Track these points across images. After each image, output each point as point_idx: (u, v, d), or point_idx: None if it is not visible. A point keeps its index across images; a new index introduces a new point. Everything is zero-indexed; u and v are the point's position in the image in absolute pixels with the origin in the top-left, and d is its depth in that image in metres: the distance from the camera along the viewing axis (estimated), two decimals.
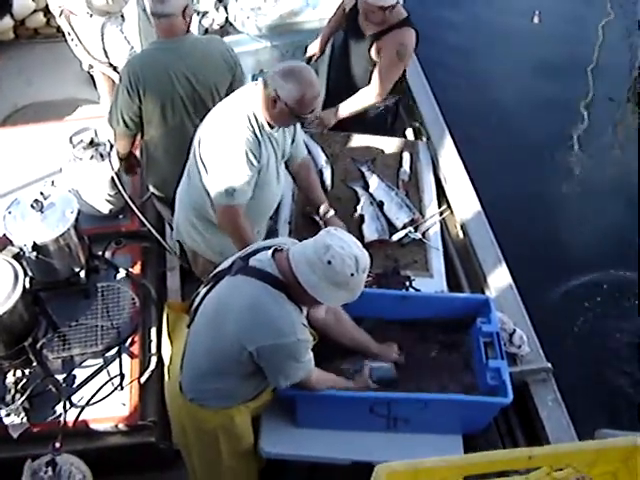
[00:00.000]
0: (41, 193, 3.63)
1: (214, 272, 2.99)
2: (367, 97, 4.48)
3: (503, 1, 8.83)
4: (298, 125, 3.56)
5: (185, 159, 3.58)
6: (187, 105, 3.86)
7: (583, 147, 6.82)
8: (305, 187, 3.82)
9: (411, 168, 4.50)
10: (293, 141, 3.59)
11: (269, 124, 3.28)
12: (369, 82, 4.45)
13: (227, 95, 3.87)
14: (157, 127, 3.94)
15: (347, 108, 4.51)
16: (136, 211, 4.10)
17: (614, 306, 5.25)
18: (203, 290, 2.96)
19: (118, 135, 4.05)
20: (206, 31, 5.37)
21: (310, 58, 4.88)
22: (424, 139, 4.95)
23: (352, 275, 2.57)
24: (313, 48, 4.86)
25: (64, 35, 5.26)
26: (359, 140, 4.65)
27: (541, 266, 5.32)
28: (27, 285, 3.41)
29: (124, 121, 3.90)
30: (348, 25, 4.55)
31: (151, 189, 4.28)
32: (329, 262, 2.55)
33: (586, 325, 5.13)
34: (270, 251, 2.78)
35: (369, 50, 4.39)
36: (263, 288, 2.70)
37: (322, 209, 3.72)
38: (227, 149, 3.25)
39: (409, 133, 5.27)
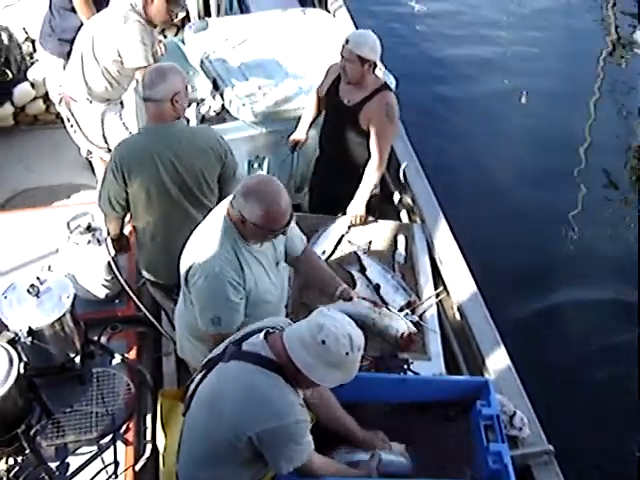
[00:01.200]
0: (37, 278, 3.61)
1: (207, 359, 2.96)
2: (376, 170, 4.60)
3: (491, 79, 9.03)
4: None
5: (174, 246, 3.52)
6: (172, 191, 3.83)
7: (580, 222, 6.89)
8: (311, 275, 3.79)
9: (406, 250, 4.54)
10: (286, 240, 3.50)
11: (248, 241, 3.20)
12: (368, 152, 4.58)
13: (217, 182, 3.95)
14: (144, 212, 3.93)
15: (366, 191, 4.63)
16: (132, 296, 4.10)
17: (615, 387, 5.20)
18: (197, 377, 2.93)
19: (106, 217, 4.06)
20: (203, 118, 5.45)
21: (295, 146, 4.99)
22: (418, 221, 4.99)
23: (347, 354, 2.55)
24: (298, 135, 4.96)
25: (63, 121, 5.36)
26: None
27: (540, 346, 5.30)
28: (21, 370, 3.38)
29: (110, 203, 3.90)
30: (330, 105, 4.70)
31: (142, 272, 4.26)
32: (323, 341, 2.53)
33: (588, 404, 5.07)
34: (262, 333, 2.76)
35: (357, 122, 4.51)
36: (257, 371, 2.67)
37: (339, 290, 3.65)
38: (207, 282, 3.13)
39: (403, 215, 5.32)
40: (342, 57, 4.41)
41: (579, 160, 7.63)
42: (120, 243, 4.27)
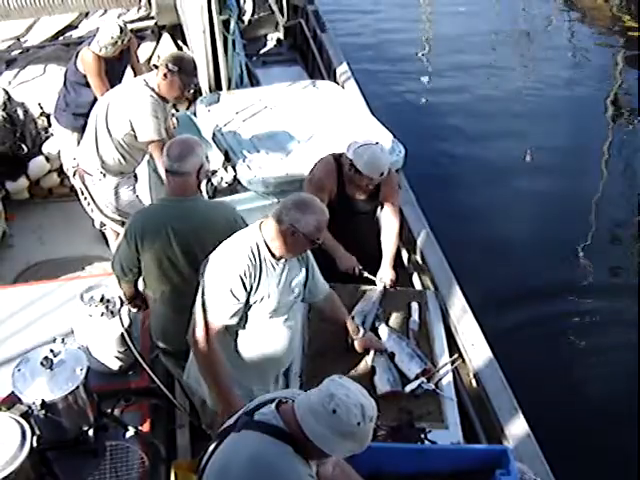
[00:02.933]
0: (51, 350, 3.63)
1: (221, 429, 2.94)
2: (397, 235, 4.71)
3: (496, 139, 9.15)
4: (313, 262, 3.67)
5: (183, 317, 3.58)
6: (183, 266, 3.87)
7: (591, 293, 6.86)
8: (331, 317, 3.98)
9: (420, 318, 4.52)
10: (308, 277, 3.64)
11: (275, 256, 3.37)
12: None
13: None
14: (155, 281, 3.98)
15: (392, 255, 4.67)
16: (146, 368, 4.08)
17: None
18: (210, 448, 2.90)
19: (119, 280, 4.13)
20: (215, 189, 5.51)
21: (355, 270, 4.78)
22: (431, 288, 4.99)
23: (358, 424, 2.50)
24: (348, 263, 4.68)
25: (77, 194, 5.44)
26: (367, 292, 4.68)
27: (559, 412, 5.23)
28: (34, 444, 3.36)
29: (122, 269, 3.99)
30: (340, 203, 4.57)
31: (155, 340, 4.27)
32: (334, 411, 2.49)
33: (613, 470, 4.97)
34: (274, 404, 2.75)
35: (375, 208, 4.67)
36: (268, 442, 2.62)
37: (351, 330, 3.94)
38: (222, 272, 3.34)
39: (416, 281, 5.33)
40: (371, 182, 4.45)
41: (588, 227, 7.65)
42: (136, 303, 4.31)
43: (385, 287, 4.63)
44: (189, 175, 3.78)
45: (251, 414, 2.77)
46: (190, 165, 3.76)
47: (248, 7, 8.35)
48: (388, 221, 4.69)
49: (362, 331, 4.01)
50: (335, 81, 7.14)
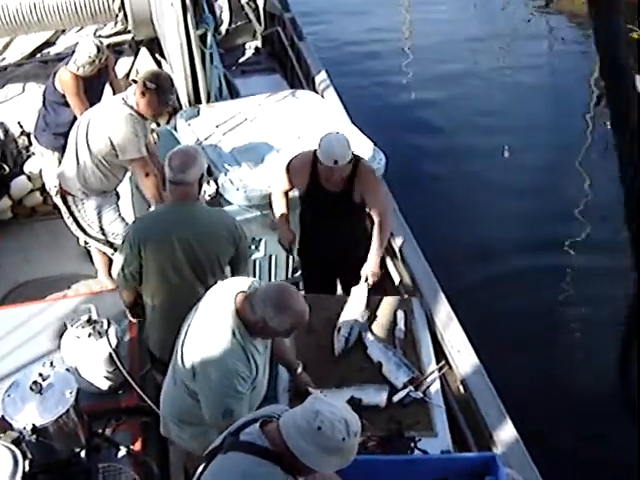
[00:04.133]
0: (40, 374, 3.62)
1: (208, 450, 2.96)
2: (385, 229, 4.72)
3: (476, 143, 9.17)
4: None
5: (180, 325, 3.60)
6: (185, 270, 3.96)
7: (577, 281, 6.91)
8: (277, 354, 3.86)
9: (406, 326, 4.55)
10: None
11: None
12: (362, 224, 4.76)
13: (229, 264, 4.08)
14: (156, 287, 4.05)
15: (379, 251, 4.68)
16: (135, 387, 4.10)
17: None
18: (199, 470, 2.92)
19: (120, 286, 4.21)
20: None
21: (290, 246, 4.96)
22: (417, 296, 5.01)
23: (343, 440, 2.54)
24: (287, 237, 4.91)
25: (60, 212, 5.43)
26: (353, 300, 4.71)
27: (546, 414, 5.28)
28: (27, 468, 3.37)
29: (124, 274, 4.05)
30: (313, 197, 4.73)
31: (150, 348, 4.34)
32: (319, 428, 2.53)
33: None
34: (258, 423, 2.77)
35: (351, 200, 4.61)
36: (255, 463, 2.65)
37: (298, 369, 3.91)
38: (219, 378, 3.24)
39: (401, 290, 5.35)
40: (333, 172, 4.48)
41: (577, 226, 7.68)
42: (135, 311, 4.36)
43: (368, 293, 4.67)
44: (192, 185, 3.88)
45: (236, 434, 2.80)
46: (193, 175, 3.86)
47: (225, 17, 8.43)
48: (375, 219, 4.69)
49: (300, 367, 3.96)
50: (314, 89, 7.16)
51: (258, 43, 8.92)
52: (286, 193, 4.88)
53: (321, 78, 7.34)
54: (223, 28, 8.29)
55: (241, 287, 3.36)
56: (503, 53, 11.81)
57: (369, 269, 4.69)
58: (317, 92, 7.00)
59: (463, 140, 9.14)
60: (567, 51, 11.90)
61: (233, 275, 4.11)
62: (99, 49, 5.53)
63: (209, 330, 3.32)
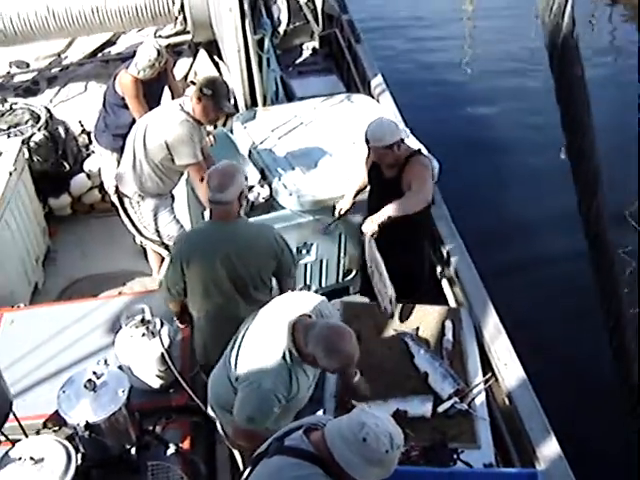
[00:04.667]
0: (94, 372, 3.74)
1: (253, 456, 3.04)
2: (411, 196, 4.63)
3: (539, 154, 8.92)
4: None
5: (224, 336, 3.75)
6: (227, 286, 4.02)
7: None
8: None
9: (454, 336, 4.56)
10: None
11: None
12: (414, 221, 4.70)
13: (274, 275, 4.14)
14: (200, 302, 4.14)
15: (391, 209, 4.58)
16: (185, 387, 4.19)
17: None
18: (244, 475, 3.00)
19: (166, 299, 4.31)
20: (252, 204, 5.58)
21: (339, 214, 5.16)
22: (465, 306, 5.02)
23: (387, 452, 2.59)
24: (343, 204, 5.14)
25: (117, 210, 5.55)
26: (402, 310, 4.75)
27: (591, 432, 5.21)
28: (79, 461, 3.49)
29: (169, 289, 4.17)
30: (374, 181, 4.96)
31: (197, 355, 4.42)
32: (364, 439, 2.58)
33: None
34: (302, 430, 2.84)
35: (400, 190, 4.67)
36: (297, 464, 2.73)
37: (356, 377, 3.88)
38: (257, 392, 3.36)
39: (450, 299, 5.36)
40: (372, 153, 4.73)
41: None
42: (183, 318, 4.46)
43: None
44: (231, 203, 3.93)
45: (281, 440, 2.87)
46: (231, 194, 3.91)
47: (283, 17, 8.46)
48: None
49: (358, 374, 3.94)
50: (370, 93, 7.17)
51: (315, 44, 8.92)
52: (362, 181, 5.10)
53: (377, 82, 7.33)
54: (281, 29, 8.34)
55: (306, 308, 3.46)
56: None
57: (370, 217, 4.67)
58: (373, 96, 7.01)
59: (520, 156, 8.91)
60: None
61: (280, 288, 4.20)
62: (159, 53, 5.62)
63: (264, 343, 3.44)
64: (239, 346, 3.56)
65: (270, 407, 3.34)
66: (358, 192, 5.14)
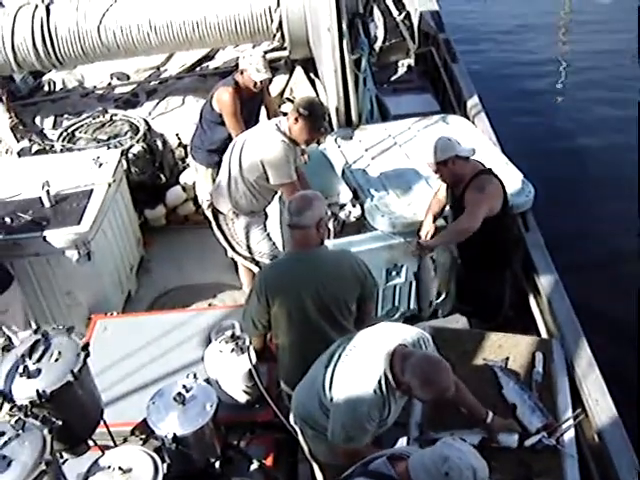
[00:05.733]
0: (184, 386, 3.81)
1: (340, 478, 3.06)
2: (457, 225, 4.83)
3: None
4: None
5: (309, 365, 3.81)
6: (313, 316, 3.99)
7: None
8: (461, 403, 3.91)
9: (544, 369, 4.45)
10: None
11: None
12: (487, 239, 4.74)
13: (356, 304, 4.11)
14: (285, 334, 4.12)
15: (440, 237, 4.93)
16: (271, 403, 4.23)
17: None
18: None
19: (249, 334, 4.31)
20: (343, 223, 5.61)
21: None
22: (557, 337, 4.90)
23: None
24: (427, 227, 5.10)
25: (210, 224, 5.66)
26: (491, 338, 4.69)
27: None
28: (165, 471, 3.55)
29: (253, 323, 4.16)
30: (448, 198, 5.08)
31: (281, 384, 4.41)
32: (446, 473, 2.57)
33: None
34: (385, 457, 2.84)
35: (462, 206, 4.75)
36: None
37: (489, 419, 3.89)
38: (352, 412, 3.40)
39: (542, 329, 5.25)
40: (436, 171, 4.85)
41: None
42: (263, 356, 4.43)
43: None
44: (309, 228, 3.90)
45: (366, 465, 2.88)
46: (308, 219, 3.88)
47: (380, 34, 8.49)
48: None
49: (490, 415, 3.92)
50: (465, 114, 7.12)
51: (411, 61, 8.93)
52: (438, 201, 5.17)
53: (473, 102, 7.27)
54: (377, 46, 8.37)
55: (405, 339, 3.48)
56: None
57: (425, 242, 4.91)
58: (468, 117, 6.96)
59: (628, 184, 8.45)
60: None
61: (361, 311, 4.17)
62: (265, 57, 5.75)
63: (360, 368, 3.47)
64: (333, 369, 3.58)
65: (365, 426, 3.39)
66: (437, 216, 5.14)
